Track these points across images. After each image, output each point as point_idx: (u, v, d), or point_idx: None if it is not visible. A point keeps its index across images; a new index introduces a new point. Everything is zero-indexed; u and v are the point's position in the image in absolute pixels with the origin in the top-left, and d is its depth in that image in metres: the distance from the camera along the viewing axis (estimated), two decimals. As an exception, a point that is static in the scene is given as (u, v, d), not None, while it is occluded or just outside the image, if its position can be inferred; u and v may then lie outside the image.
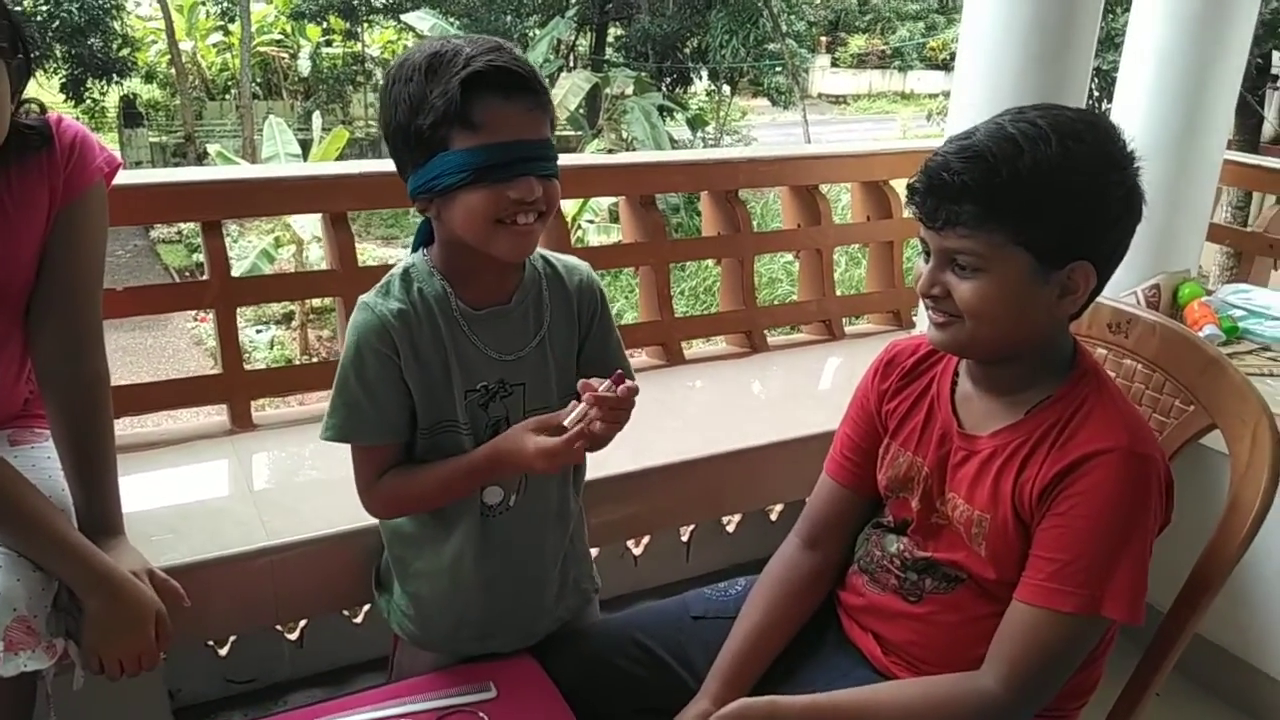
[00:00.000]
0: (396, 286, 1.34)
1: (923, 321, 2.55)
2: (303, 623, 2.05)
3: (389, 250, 14.56)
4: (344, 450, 1.92)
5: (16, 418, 1.54)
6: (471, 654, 1.47)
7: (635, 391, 1.22)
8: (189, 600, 1.40)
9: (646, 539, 2.39)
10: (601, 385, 1.21)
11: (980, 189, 1.10)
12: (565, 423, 1.23)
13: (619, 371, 1.22)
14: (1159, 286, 2.51)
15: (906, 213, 2.93)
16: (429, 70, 1.22)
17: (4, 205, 1.35)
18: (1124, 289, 2.38)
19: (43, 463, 1.46)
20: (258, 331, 13.82)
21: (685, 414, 2.15)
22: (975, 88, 2.24)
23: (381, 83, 1.32)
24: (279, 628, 2.03)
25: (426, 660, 1.48)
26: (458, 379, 1.34)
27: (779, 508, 2.53)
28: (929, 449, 1.29)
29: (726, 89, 23.32)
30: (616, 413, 1.22)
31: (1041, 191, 1.09)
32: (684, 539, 2.46)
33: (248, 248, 12.89)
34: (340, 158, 12.59)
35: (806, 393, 2.49)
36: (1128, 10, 2.67)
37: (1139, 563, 1.13)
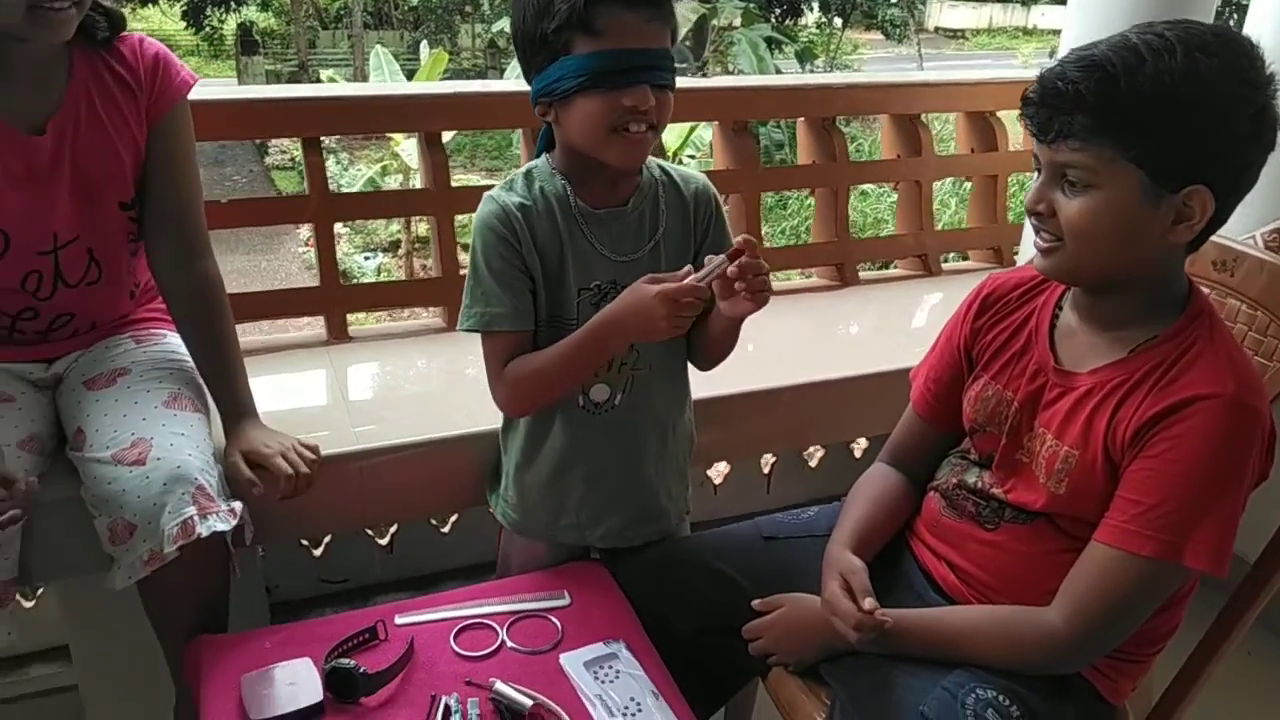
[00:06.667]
0: (520, 183, 1.40)
1: (1024, 258, 2.48)
2: (393, 529, 2.14)
3: (494, 181, 14.66)
4: (438, 364, 1.99)
5: (131, 323, 1.65)
6: (570, 543, 1.54)
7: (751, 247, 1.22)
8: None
9: (727, 468, 2.40)
10: (716, 260, 1.22)
11: (1094, 98, 1.05)
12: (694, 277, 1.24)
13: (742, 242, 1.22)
14: (1282, 230, 2.37)
15: (1015, 140, 2.84)
16: None
17: (95, 110, 1.44)
18: (1243, 233, 2.25)
19: (171, 353, 1.59)
20: (365, 258, 14.19)
21: (771, 345, 2.13)
22: (1090, 8, 2.12)
23: None
24: (369, 532, 2.13)
25: (529, 551, 1.56)
26: (572, 275, 1.38)
27: (863, 443, 2.51)
28: (1020, 383, 1.26)
29: (838, 21, 22.63)
30: (757, 279, 1.22)
31: (1160, 104, 1.04)
32: (765, 471, 2.47)
33: (357, 176, 13.18)
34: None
35: (898, 328, 2.45)
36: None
37: (1229, 515, 1.09)
